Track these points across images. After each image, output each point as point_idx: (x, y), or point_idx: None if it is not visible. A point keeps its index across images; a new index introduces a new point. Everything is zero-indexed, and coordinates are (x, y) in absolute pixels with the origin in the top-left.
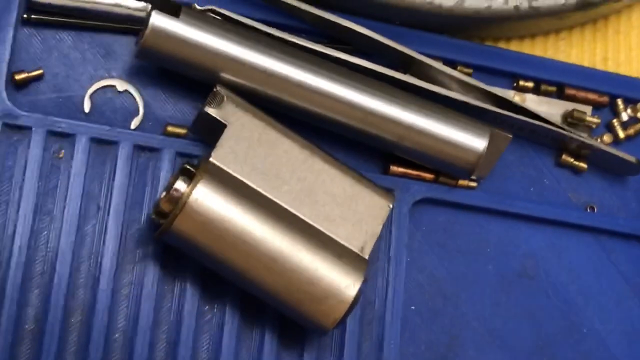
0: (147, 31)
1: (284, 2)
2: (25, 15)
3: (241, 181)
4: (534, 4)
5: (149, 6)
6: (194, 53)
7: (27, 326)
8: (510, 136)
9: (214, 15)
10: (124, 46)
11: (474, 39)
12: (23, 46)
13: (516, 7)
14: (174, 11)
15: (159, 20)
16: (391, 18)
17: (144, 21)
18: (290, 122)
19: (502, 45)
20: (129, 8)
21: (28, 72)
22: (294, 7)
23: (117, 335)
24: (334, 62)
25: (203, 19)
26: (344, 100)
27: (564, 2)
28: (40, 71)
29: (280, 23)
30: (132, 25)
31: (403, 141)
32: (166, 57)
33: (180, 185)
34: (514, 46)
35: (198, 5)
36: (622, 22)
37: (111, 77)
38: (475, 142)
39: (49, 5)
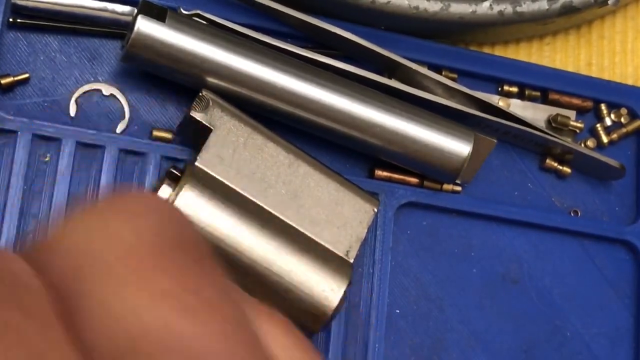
0: (133, 35)
1: (270, 7)
2: (10, 19)
3: (227, 185)
4: (518, 9)
5: (135, 10)
6: (180, 58)
7: None
8: (495, 141)
9: (199, 20)
10: (110, 50)
11: (458, 44)
12: (9, 50)
13: (500, 13)
14: (160, 16)
15: (144, 24)
16: (376, 23)
17: (129, 25)
18: (275, 126)
19: (486, 50)
20: (116, 12)
21: (14, 76)
22: (280, 11)
23: None
24: (319, 67)
25: (189, 23)
26: (328, 105)
27: (548, 7)
28: (26, 75)
29: (267, 27)
30: (119, 29)
31: (388, 145)
32: (152, 62)
33: (165, 189)
34: (499, 51)
35: (184, 9)
36: (605, 27)
37: (97, 81)
38: (460, 146)
39: (35, 9)
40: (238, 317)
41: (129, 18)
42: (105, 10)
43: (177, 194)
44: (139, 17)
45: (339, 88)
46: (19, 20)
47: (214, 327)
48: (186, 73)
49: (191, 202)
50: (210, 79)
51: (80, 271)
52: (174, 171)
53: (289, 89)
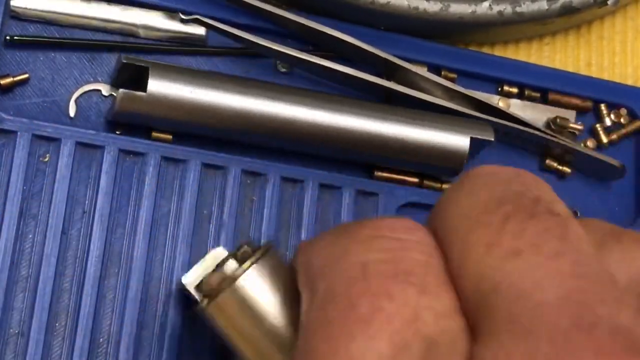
0: (115, 109)
1: (268, 10)
2: (7, 37)
3: None
4: (518, 9)
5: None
6: (165, 117)
7: (11, 330)
8: (492, 129)
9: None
10: (109, 51)
11: (458, 44)
12: (8, 50)
13: (500, 13)
14: (139, 79)
15: (125, 98)
16: (376, 23)
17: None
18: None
19: (486, 50)
20: (116, 22)
21: (13, 77)
22: (278, 14)
23: (102, 340)
24: (319, 69)
25: (170, 80)
26: (324, 126)
27: (547, 7)
28: (25, 75)
29: (264, 28)
30: (117, 42)
31: (387, 154)
32: (139, 123)
33: (232, 264)
34: (498, 51)
35: (183, 14)
36: (605, 27)
37: (97, 81)
38: (459, 140)
39: (33, 17)
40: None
41: (130, 28)
42: (105, 20)
43: (246, 269)
44: (120, 92)
45: (332, 107)
46: (16, 38)
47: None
48: (176, 123)
49: (258, 281)
50: (203, 123)
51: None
52: (246, 249)
53: (283, 116)
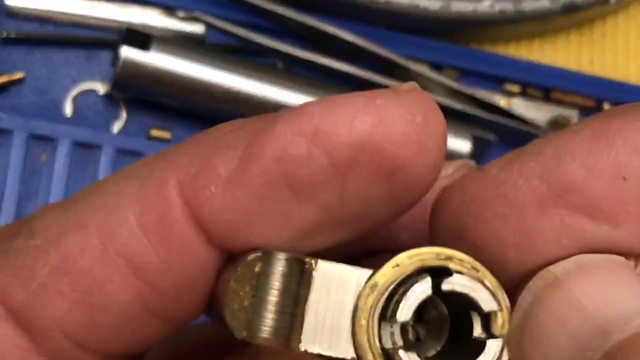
0: (120, 64)
1: (269, 9)
2: (5, 34)
3: None
4: (520, 8)
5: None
6: (168, 82)
7: None
8: (493, 137)
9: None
10: (106, 49)
11: (459, 42)
12: (4, 48)
13: (502, 11)
14: (144, 43)
15: (130, 53)
16: (376, 21)
17: (114, 54)
18: None
19: (487, 48)
20: (109, 20)
21: (9, 75)
22: (279, 14)
23: None
24: (318, 69)
25: (174, 47)
26: None
27: (549, 6)
28: (21, 74)
29: (263, 26)
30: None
31: None
32: (140, 88)
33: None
34: (500, 49)
35: (184, 10)
36: (607, 25)
37: (94, 79)
38: (460, 144)
39: (28, 15)
40: None
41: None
42: (103, 17)
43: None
44: (123, 47)
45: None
46: (12, 36)
47: None
48: (176, 96)
49: None
50: (201, 100)
51: None
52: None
53: (282, 103)
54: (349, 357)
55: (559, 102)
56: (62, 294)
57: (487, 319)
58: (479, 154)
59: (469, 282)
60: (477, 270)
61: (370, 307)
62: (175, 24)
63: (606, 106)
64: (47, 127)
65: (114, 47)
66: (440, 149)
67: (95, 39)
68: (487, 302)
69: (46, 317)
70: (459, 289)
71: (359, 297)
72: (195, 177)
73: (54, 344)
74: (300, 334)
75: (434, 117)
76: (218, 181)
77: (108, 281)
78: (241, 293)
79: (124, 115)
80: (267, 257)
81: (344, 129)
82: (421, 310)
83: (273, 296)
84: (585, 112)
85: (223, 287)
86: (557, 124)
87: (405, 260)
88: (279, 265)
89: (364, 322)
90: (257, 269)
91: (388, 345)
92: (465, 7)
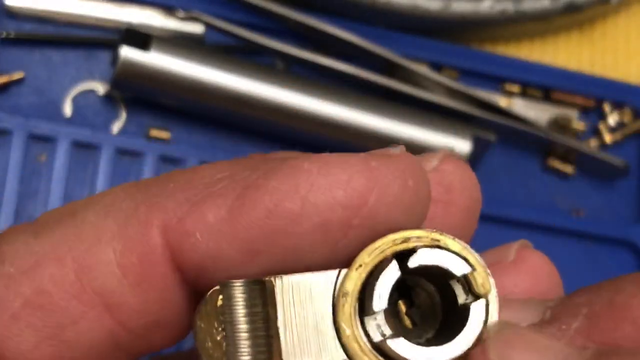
0: (119, 64)
1: (268, 8)
2: (4, 34)
3: None
4: (520, 8)
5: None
6: (167, 83)
7: None
8: (494, 137)
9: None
10: (106, 49)
11: (459, 42)
12: (4, 48)
13: (502, 12)
14: (144, 43)
15: (129, 53)
16: (377, 21)
17: (114, 54)
18: (270, 138)
19: (487, 48)
20: (109, 20)
21: (9, 75)
22: (278, 13)
23: None
24: (318, 68)
25: (173, 47)
26: (324, 117)
27: (550, 6)
28: (21, 74)
29: (263, 26)
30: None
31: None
32: (140, 88)
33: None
34: (500, 49)
35: (182, 10)
36: (608, 25)
37: (93, 79)
38: (460, 145)
39: (28, 15)
40: None
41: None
42: (102, 17)
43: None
44: (123, 47)
45: (335, 98)
46: (12, 36)
47: None
48: (175, 96)
49: None
50: (201, 100)
51: None
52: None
53: (282, 103)
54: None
55: (559, 102)
56: (34, 327)
57: (467, 283)
58: (479, 154)
59: (433, 252)
60: (438, 240)
61: (349, 314)
62: (174, 24)
63: (606, 106)
64: (47, 127)
65: (113, 47)
66: (426, 208)
67: (95, 39)
68: (457, 266)
69: (14, 349)
70: (425, 262)
71: (334, 308)
72: (182, 222)
73: None
74: (281, 352)
75: (423, 181)
76: (205, 229)
77: (82, 318)
78: (211, 330)
79: (123, 115)
80: (225, 287)
81: (339, 189)
82: (411, 297)
83: (242, 324)
84: (585, 112)
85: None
86: (557, 124)
87: (365, 259)
88: (239, 292)
89: (349, 332)
90: (219, 302)
91: (377, 338)
92: (466, 7)
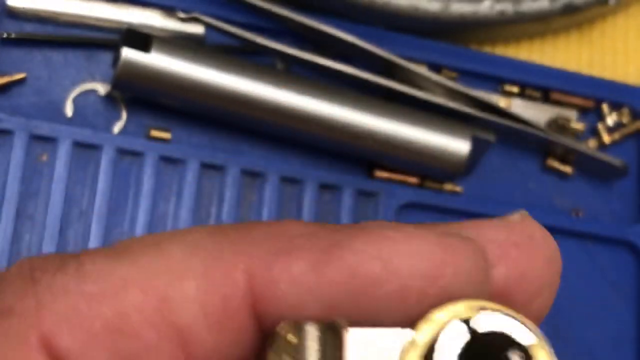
0: (120, 66)
1: (268, 9)
2: (5, 35)
3: None
4: (520, 9)
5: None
6: (169, 84)
7: None
8: (493, 137)
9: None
10: (106, 49)
11: (458, 42)
12: (5, 49)
13: (501, 13)
14: (145, 44)
15: (130, 55)
16: (376, 22)
17: (115, 55)
18: (270, 140)
19: (486, 49)
20: (117, 21)
21: (10, 76)
22: (277, 13)
23: None
24: (317, 69)
25: (175, 48)
26: (324, 117)
27: (549, 6)
28: (22, 74)
29: (263, 27)
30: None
31: (386, 150)
32: (142, 89)
33: None
34: (499, 50)
35: (182, 11)
36: (607, 26)
37: (94, 80)
38: (459, 145)
39: (30, 15)
40: None
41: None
42: (103, 18)
43: None
44: (124, 47)
45: (335, 98)
46: (13, 36)
47: None
48: (176, 96)
49: None
50: (202, 101)
51: None
52: None
53: (282, 103)
54: None
55: (558, 103)
56: (109, 350)
57: (526, 355)
58: (478, 154)
59: (505, 319)
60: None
61: None
62: (175, 25)
63: (605, 106)
64: (48, 128)
65: (114, 47)
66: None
67: (96, 40)
68: (525, 337)
69: None
70: (495, 328)
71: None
72: (269, 270)
73: None
74: None
75: (486, 259)
76: (289, 280)
77: (156, 349)
78: None
79: (124, 115)
80: (300, 328)
81: (420, 260)
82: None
83: None
84: (584, 112)
85: None
86: (556, 125)
87: (439, 316)
88: (313, 334)
89: None
90: (289, 338)
91: None
92: (465, 8)
